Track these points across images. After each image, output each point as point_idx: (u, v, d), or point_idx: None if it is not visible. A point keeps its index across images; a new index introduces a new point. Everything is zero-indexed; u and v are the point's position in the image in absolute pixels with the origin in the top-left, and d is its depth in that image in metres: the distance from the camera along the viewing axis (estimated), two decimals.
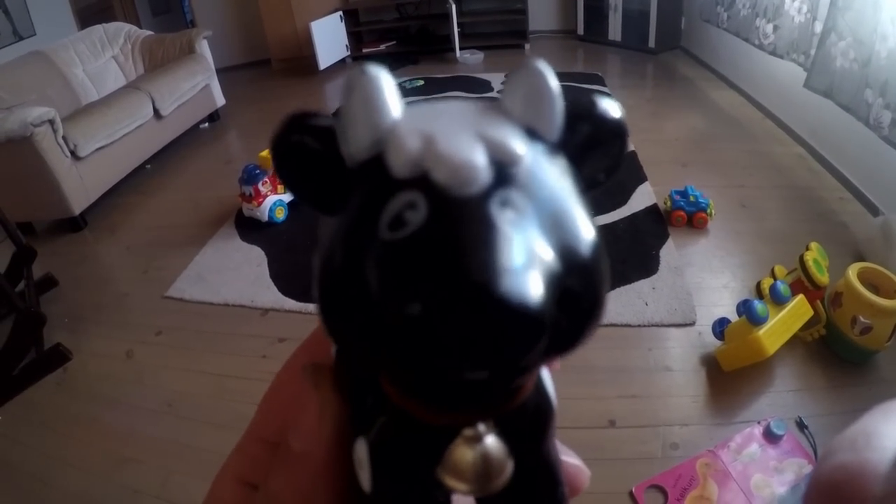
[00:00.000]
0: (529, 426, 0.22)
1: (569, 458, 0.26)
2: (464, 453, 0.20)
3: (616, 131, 0.22)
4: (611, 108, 0.22)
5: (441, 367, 0.16)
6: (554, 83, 0.21)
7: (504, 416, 0.21)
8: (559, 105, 0.21)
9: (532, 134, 0.20)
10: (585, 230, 0.19)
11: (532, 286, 0.16)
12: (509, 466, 0.20)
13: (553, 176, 0.19)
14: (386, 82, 0.19)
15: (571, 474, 0.25)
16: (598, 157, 0.22)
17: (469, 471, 0.20)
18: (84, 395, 2.24)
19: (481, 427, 0.20)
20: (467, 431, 0.20)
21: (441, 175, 0.17)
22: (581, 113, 0.21)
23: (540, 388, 0.23)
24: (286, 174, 0.21)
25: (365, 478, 0.22)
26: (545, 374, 0.23)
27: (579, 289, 0.18)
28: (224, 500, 0.27)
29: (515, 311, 0.15)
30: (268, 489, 0.24)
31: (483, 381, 0.17)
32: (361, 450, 0.22)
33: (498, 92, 3.78)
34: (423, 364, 0.16)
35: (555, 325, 0.17)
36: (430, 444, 0.20)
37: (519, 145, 0.19)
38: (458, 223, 0.17)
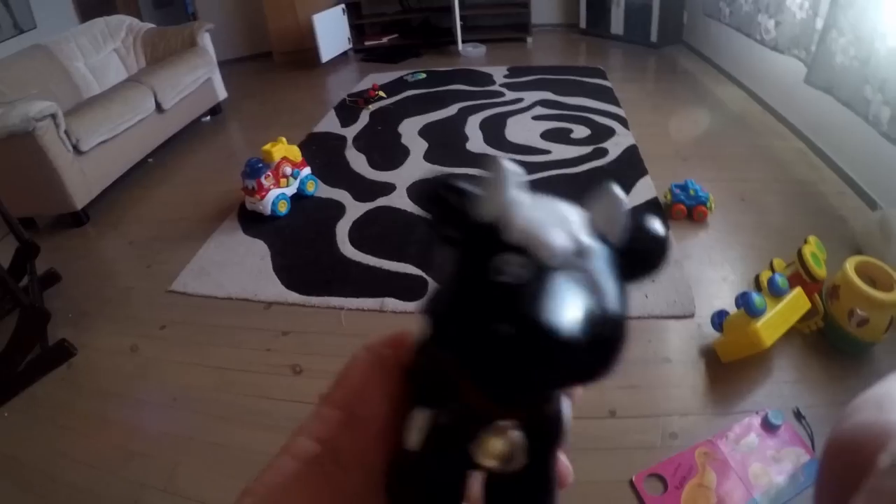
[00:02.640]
0: (545, 433, 0.29)
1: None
2: (497, 439, 0.27)
3: (659, 250, 0.29)
4: (660, 231, 0.29)
5: (513, 372, 0.23)
6: (622, 208, 0.28)
7: (532, 420, 0.28)
8: (623, 223, 0.28)
9: (602, 237, 0.27)
10: (618, 302, 0.26)
11: (576, 329, 0.23)
12: (523, 457, 0.28)
13: (608, 266, 0.26)
14: (515, 175, 0.27)
15: (561, 472, 0.31)
16: (644, 262, 0.29)
17: (496, 451, 0.27)
18: (89, 390, 2.25)
19: (512, 423, 0.27)
20: (502, 423, 0.27)
21: (538, 250, 0.24)
22: (639, 234, 0.29)
23: (560, 409, 0.29)
24: (427, 209, 0.30)
25: (416, 439, 0.29)
26: (566, 403, 0.30)
27: (606, 336, 0.25)
28: (298, 451, 0.31)
29: (565, 342, 0.22)
30: (336, 445, 0.30)
31: (531, 385, 0.25)
32: (421, 418, 0.29)
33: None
34: (501, 369, 0.23)
35: (585, 357, 0.24)
36: (474, 426, 0.27)
37: (590, 243, 0.26)
38: (543, 282, 0.23)
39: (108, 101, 3.63)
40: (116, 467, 1.90)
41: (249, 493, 0.30)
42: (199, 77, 4.45)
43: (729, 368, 2.05)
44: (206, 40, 4.69)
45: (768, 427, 1.81)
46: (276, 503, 0.29)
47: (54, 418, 2.13)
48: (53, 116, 3.08)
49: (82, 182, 3.30)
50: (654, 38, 5.80)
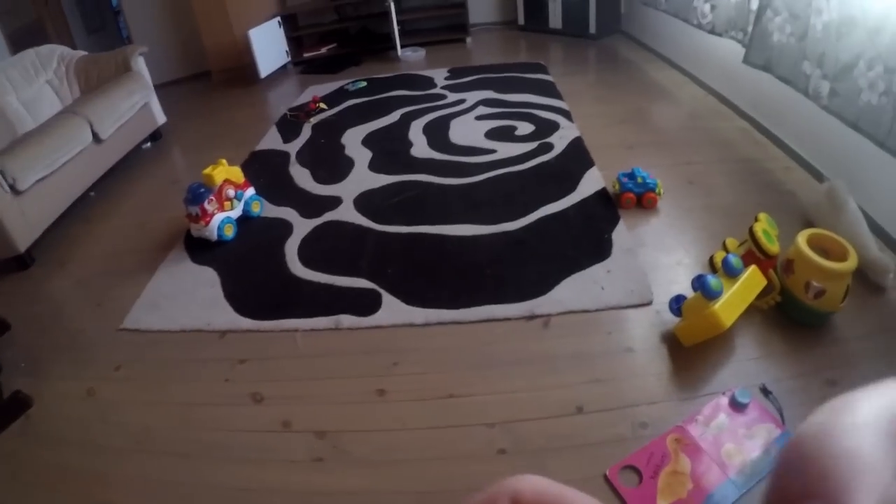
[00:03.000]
0: None
1: None
2: None
3: None
4: None
5: None
6: None
7: None
8: None
9: None
10: None
11: None
12: None
13: None
14: None
15: None
16: None
17: None
18: (50, 440, 2.14)
19: None
20: None
21: None
22: None
23: None
24: None
25: None
26: None
27: None
28: None
29: None
30: None
31: None
32: None
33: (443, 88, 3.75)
34: None
35: None
36: None
37: None
38: None
39: (43, 135, 3.50)
40: None
41: None
42: (136, 103, 4.33)
43: (692, 352, 2.05)
44: (140, 64, 4.57)
45: (736, 406, 1.80)
46: None
47: (16, 474, 2.02)
48: None
49: (23, 223, 3.15)
50: (592, 29, 5.83)
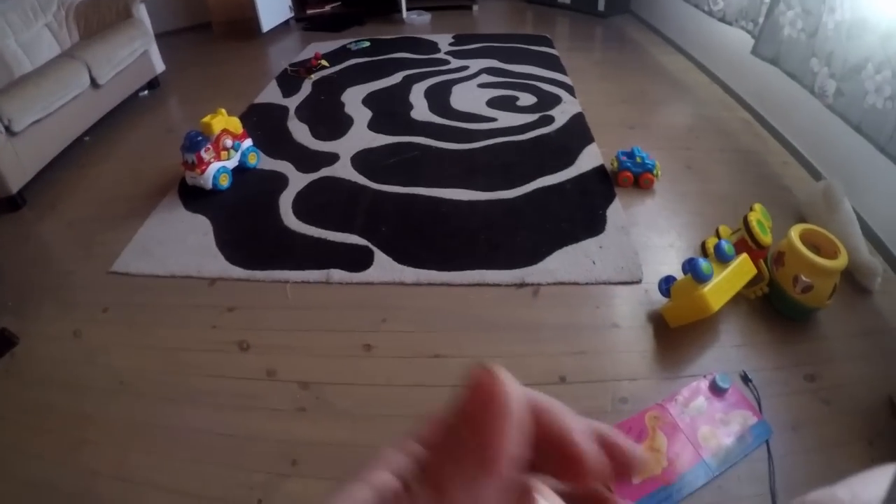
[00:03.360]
0: None
1: None
2: None
3: None
4: None
5: None
6: None
7: None
8: None
9: None
10: None
11: None
12: None
13: None
14: None
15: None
16: None
17: None
18: (34, 379, 2.14)
19: None
20: None
21: None
22: None
23: None
24: None
25: None
26: None
27: None
28: (377, 484, 0.25)
29: None
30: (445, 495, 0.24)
31: None
32: None
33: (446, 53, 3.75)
34: None
35: None
36: None
37: None
38: None
39: (41, 78, 3.44)
40: (67, 457, 1.82)
41: None
42: (136, 50, 4.27)
43: (676, 333, 2.07)
44: (141, 12, 4.49)
45: (716, 390, 1.83)
46: None
47: None
48: None
49: (16, 164, 3.12)
50: (601, 7, 5.80)
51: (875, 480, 0.24)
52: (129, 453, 1.81)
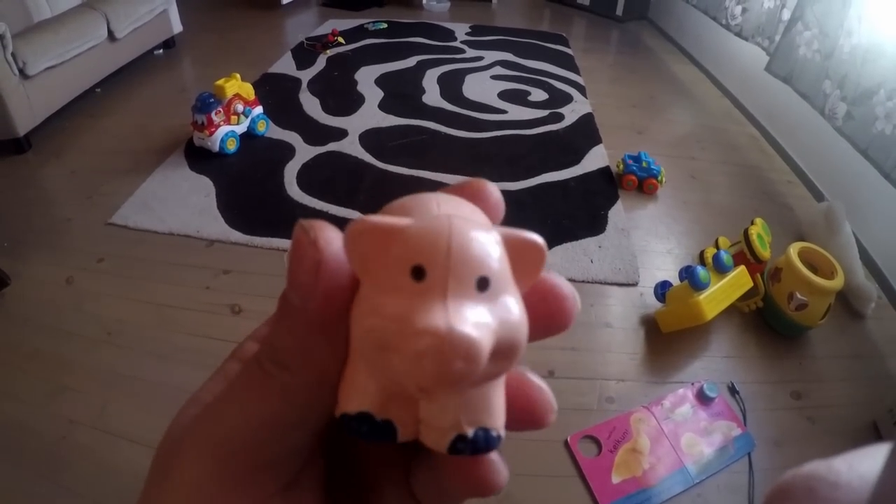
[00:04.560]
0: None
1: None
2: None
3: None
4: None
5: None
6: None
7: None
8: None
9: None
10: None
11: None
12: None
13: None
14: None
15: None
16: None
17: None
18: (21, 321, 2.14)
19: None
20: None
21: None
22: None
23: None
24: None
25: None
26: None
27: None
28: (244, 354, 0.28)
29: None
30: (271, 342, 0.25)
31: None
32: None
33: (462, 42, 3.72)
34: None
35: None
36: None
37: None
38: None
39: (59, 25, 3.42)
40: (46, 402, 1.82)
41: (195, 401, 0.27)
42: (155, 8, 4.24)
43: (668, 339, 2.08)
44: None
45: (703, 399, 1.84)
46: (221, 411, 0.25)
47: None
48: (0, 37, 2.90)
49: (26, 108, 3.10)
50: (619, 11, 5.80)
51: (872, 455, 0.24)
52: (109, 404, 1.81)
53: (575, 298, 0.25)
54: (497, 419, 0.24)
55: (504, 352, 0.21)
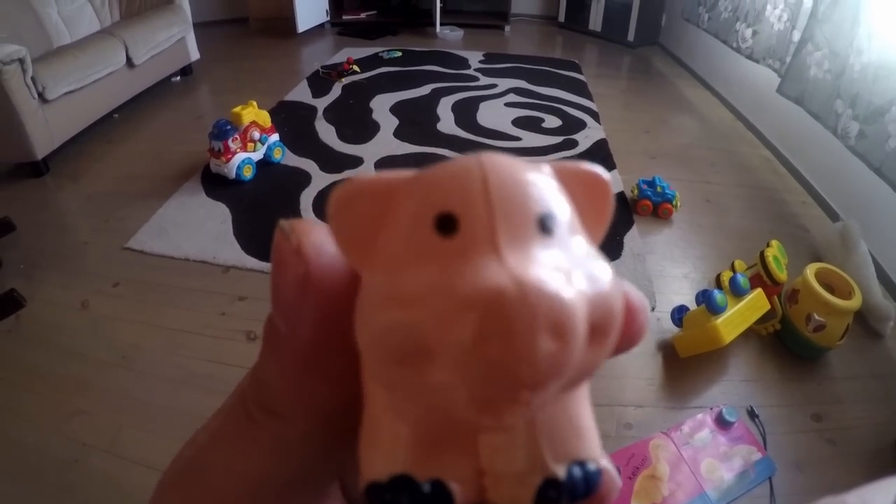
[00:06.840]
0: None
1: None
2: None
3: None
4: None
5: None
6: None
7: None
8: None
9: None
10: None
11: None
12: None
13: None
14: None
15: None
16: None
17: None
18: (36, 344, 2.16)
19: None
20: None
21: None
22: None
23: None
24: None
25: None
26: None
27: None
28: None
29: None
30: (258, 378, 0.22)
31: None
32: None
33: (475, 69, 3.73)
34: None
35: None
36: None
37: None
38: None
39: (79, 50, 3.50)
40: (60, 425, 1.83)
41: (193, 443, 0.23)
42: (173, 35, 4.32)
43: (686, 363, 2.07)
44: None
45: (722, 423, 1.83)
46: (204, 468, 0.22)
47: None
48: (21, 61, 2.93)
49: (45, 131, 3.16)
50: (631, 37, 5.83)
51: (885, 488, 0.25)
52: (123, 429, 1.82)
53: (647, 310, 0.20)
54: (592, 442, 0.18)
55: (599, 325, 0.15)
